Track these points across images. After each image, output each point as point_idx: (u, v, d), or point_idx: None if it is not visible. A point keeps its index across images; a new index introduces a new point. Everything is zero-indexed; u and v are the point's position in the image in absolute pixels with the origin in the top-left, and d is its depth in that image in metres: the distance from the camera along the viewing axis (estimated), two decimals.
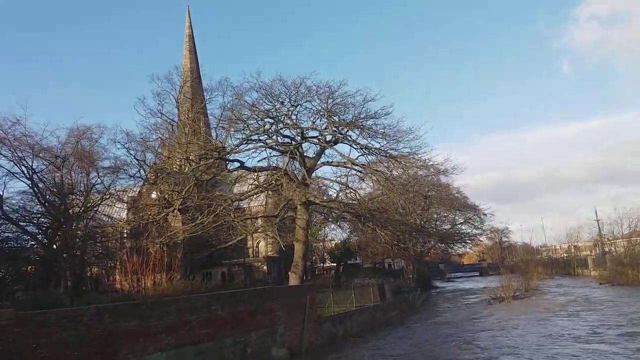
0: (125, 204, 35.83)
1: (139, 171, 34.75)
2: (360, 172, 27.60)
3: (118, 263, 28.20)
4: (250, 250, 45.05)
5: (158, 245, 26.57)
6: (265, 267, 42.87)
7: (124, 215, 36.66)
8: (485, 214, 58.02)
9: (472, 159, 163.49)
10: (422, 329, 27.23)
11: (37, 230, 30.28)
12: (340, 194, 29.72)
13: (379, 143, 26.60)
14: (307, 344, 20.86)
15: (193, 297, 16.71)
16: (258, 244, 46.22)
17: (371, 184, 31.15)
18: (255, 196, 32.09)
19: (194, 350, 14.90)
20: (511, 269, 51.73)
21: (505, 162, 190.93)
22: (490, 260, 75.39)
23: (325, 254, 53.71)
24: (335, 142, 27.08)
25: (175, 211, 29.70)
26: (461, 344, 20.37)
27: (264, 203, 38.34)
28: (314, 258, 52.47)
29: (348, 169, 28.00)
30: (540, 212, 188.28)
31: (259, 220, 33.93)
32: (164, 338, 14.04)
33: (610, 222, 65.27)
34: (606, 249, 65.03)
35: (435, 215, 53.23)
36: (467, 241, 59.59)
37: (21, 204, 29.96)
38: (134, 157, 34.28)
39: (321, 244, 49.82)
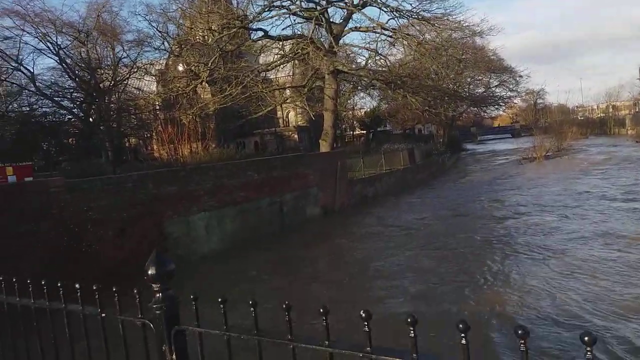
0: (154, 77, 35.95)
1: (162, 43, 34.11)
2: (390, 37, 26.35)
3: (154, 133, 29.21)
4: (281, 120, 45.58)
5: (190, 117, 27.17)
6: (296, 136, 43.61)
7: (153, 88, 36.99)
8: (521, 76, 55.90)
9: (511, 19, 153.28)
10: (449, 188, 28.15)
11: (72, 105, 31.15)
12: (369, 61, 28.80)
13: (411, 4, 24.94)
14: (339, 203, 22.05)
15: (229, 163, 17.52)
16: (288, 114, 46.56)
17: (402, 50, 29.93)
18: (282, 66, 31.47)
19: (233, 210, 16.06)
20: (544, 130, 50.95)
21: (546, 21, 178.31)
22: (524, 122, 74.20)
23: (355, 122, 53.87)
24: (364, 5, 25.55)
25: (204, 83, 29.72)
26: (489, 201, 21.04)
27: (291, 73, 37.77)
28: (343, 126, 52.81)
29: (377, 34, 26.73)
30: (580, 72, 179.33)
31: (287, 91, 33.74)
32: (205, 200, 15.08)
33: None
34: None
35: (469, 79, 51.57)
36: (501, 104, 58.33)
37: (53, 80, 30.51)
38: (157, 29, 33.52)
39: (350, 112, 49.72)
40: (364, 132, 52.22)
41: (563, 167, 31.84)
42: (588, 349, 1.29)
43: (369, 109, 50.16)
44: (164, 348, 2.00)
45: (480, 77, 53.47)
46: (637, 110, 68.71)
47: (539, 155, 37.39)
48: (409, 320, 1.51)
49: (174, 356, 1.99)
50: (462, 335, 1.43)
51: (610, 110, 78.22)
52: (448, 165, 42.12)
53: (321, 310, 1.72)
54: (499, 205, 19.93)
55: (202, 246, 14.72)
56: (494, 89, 55.88)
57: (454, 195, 24.67)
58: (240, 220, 16.25)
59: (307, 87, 28.79)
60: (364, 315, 1.61)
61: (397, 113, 47.37)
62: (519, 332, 1.37)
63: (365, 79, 30.34)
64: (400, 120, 50.78)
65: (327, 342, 1.72)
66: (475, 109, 57.55)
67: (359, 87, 36.02)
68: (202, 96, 31.69)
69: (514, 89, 57.04)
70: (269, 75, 33.38)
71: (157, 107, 34.71)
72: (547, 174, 29.24)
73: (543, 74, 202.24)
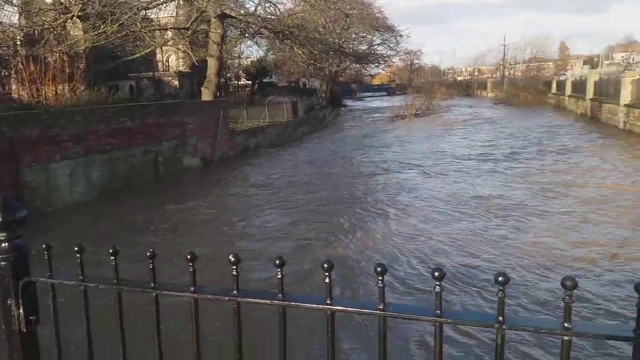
0: (16, 8, 31.58)
1: None
2: None
3: (13, 72, 26.02)
4: (160, 64, 43.02)
5: (58, 55, 24.57)
6: (176, 82, 41.61)
7: (15, 20, 32.55)
8: (401, 36, 58.32)
9: None
10: (326, 142, 29.32)
11: None
12: (258, 8, 28.20)
13: None
14: (219, 154, 21.92)
15: (99, 108, 16.42)
16: (168, 57, 44.05)
17: None
18: (164, 5, 29.52)
19: (102, 158, 15.31)
20: (417, 90, 54.36)
21: None
22: (400, 81, 78.38)
23: (241, 72, 52.72)
24: None
25: (75, 18, 26.92)
26: (359, 157, 22.23)
27: (174, 14, 35.52)
28: (228, 75, 51.44)
29: None
30: (458, 35, 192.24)
31: (169, 33, 31.81)
32: (70, 147, 14.15)
33: (516, 48, 68.94)
34: (506, 73, 69.68)
35: (354, 35, 52.66)
36: (381, 62, 60.66)
37: None
38: None
39: (236, 60, 48.45)
40: (250, 82, 51.42)
41: (430, 125, 34.57)
42: (437, 283, 1.42)
43: (255, 59, 49.31)
44: (9, 302, 1.82)
45: (364, 35, 54.84)
46: (498, 74, 75.99)
47: (409, 114, 40.12)
48: (277, 262, 1.55)
49: (21, 310, 1.81)
50: (326, 274, 1.49)
51: (476, 73, 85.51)
52: (328, 119, 43.43)
53: (188, 256, 1.69)
54: (365, 161, 21.03)
55: (64, 197, 13.92)
56: (376, 46, 57.80)
57: (329, 149, 25.65)
58: (109, 170, 15.55)
59: (191, 29, 27.44)
60: (232, 259, 1.61)
61: (283, 65, 47.22)
62: (325, 265, 1.48)
63: (253, 26, 29.66)
64: (286, 72, 50.73)
65: (192, 288, 1.70)
66: (358, 65, 59.23)
67: (247, 35, 35.14)
68: (72, 33, 28.69)
69: (394, 47, 59.53)
70: (149, 14, 31.17)
71: (18, 42, 30.73)
72: (415, 131, 31.57)
73: (422, 34, 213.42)
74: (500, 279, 1.36)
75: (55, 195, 13.66)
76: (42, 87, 19.36)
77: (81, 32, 27.86)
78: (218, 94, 31.78)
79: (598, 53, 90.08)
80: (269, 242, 10.25)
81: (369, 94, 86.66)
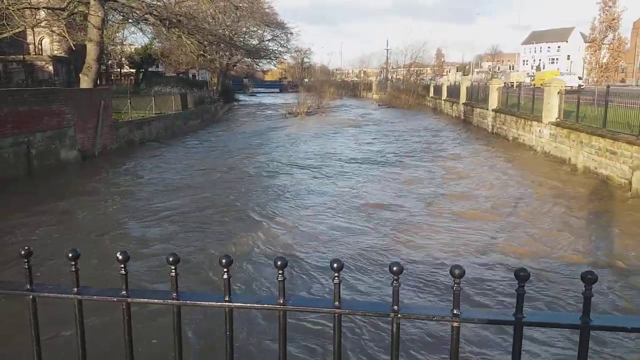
0: None
1: None
2: None
3: None
4: (32, 47, 39.08)
5: None
6: (51, 68, 38.10)
7: None
8: (291, 33, 59.19)
9: None
10: (216, 137, 28.74)
11: None
12: None
13: None
14: (100, 146, 20.51)
15: None
16: (41, 40, 40.11)
17: None
18: None
19: None
20: (308, 88, 55.48)
21: None
22: (291, 79, 79.39)
23: (124, 59, 49.69)
24: None
25: None
26: (246, 156, 21.30)
27: None
28: (110, 62, 48.21)
29: None
30: (344, 37, 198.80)
31: (42, 12, 28.96)
32: None
33: (397, 52, 73.08)
34: (389, 77, 73.67)
35: (244, 29, 52.31)
36: (272, 58, 60.99)
37: None
38: None
39: (119, 47, 45.57)
40: (134, 71, 48.67)
41: (320, 124, 35.46)
42: (335, 274, 1.47)
43: (140, 47, 46.72)
44: None
45: (255, 29, 54.77)
46: (382, 77, 80.00)
47: (301, 111, 40.85)
48: (170, 259, 1.55)
49: None
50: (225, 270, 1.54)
51: (362, 75, 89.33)
52: (220, 114, 42.63)
53: (70, 255, 1.60)
54: (253, 161, 20.15)
55: None
56: (267, 42, 58.01)
57: (218, 146, 25.00)
58: None
59: (68, 11, 25.21)
60: (120, 257, 1.57)
61: (171, 54, 45.38)
62: (222, 261, 1.52)
63: (137, 12, 28.07)
64: (174, 62, 48.86)
65: (75, 289, 1.62)
66: (249, 60, 58.94)
67: (130, 20, 33.18)
68: None
69: (284, 45, 60.26)
70: None
71: None
72: (306, 129, 32.10)
73: (311, 34, 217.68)
74: (394, 268, 1.44)
75: None
76: None
77: None
78: (99, 82, 29.66)
79: (469, 61, 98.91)
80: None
81: (262, 89, 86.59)
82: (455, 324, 1.45)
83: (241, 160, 20.22)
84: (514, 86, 36.19)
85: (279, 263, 1.51)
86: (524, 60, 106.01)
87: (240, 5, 39.32)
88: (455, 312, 1.44)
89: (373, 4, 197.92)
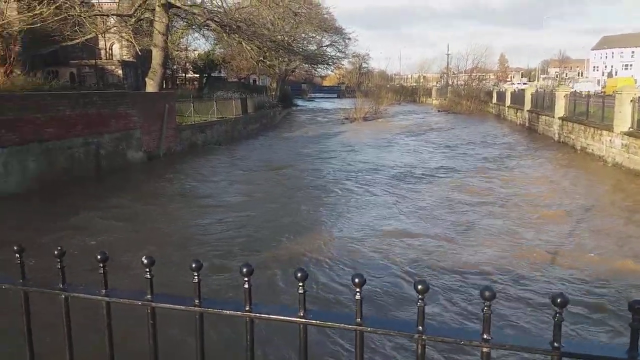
0: None
1: None
2: None
3: None
4: (103, 52, 41.40)
5: None
6: (120, 72, 40.17)
7: None
8: (349, 38, 59.15)
9: None
10: (277, 140, 29.17)
11: None
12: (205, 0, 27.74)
13: None
14: (164, 148, 21.32)
15: (35, 94, 15.58)
16: (112, 45, 42.43)
17: None
18: None
19: (39, 147, 14.46)
20: (366, 93, 55.23)
21: None
22: (349, 84, 79.42)
23: (188, 64, 51.57)
24: None
25: None
26: (304, 163, 21.29)
27: (117, 0, 34.25)
28: (175, 67, 50.19)
29: None
30: (404, 41, 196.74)
31: (112, 19, 30.66)
32: (3, 134, 13.31)
33: (458, 57, 71.51)
34: (450, 82, 72.09)
35: (303, 35, 52.85)
36: (330, 64, 61.19)
37: None
38: None
39: (183, 52, 47.35)
40: (197, 76, 50.39)
41: (376, 131, 35.05)
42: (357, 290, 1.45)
43: (203, 52, 48.34)
44: None
45: (313, 35, 55.16)
46: (442, 83, 78.44)
47: (358, 117, 40.73)
48: (193, 265, 1.54)
49: None
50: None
51: (422, 80, 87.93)
52: (278, 118, 43.30)
53: (98, 257, 1.60)
54: (311, 169, 19.53)
55: None
56: (325, 48, 58.28)
57: (277, 151, 25.23)
58: (47, 161, 14.73)
59: (135, 17, 26.51)
60: (145, 261, 1.58)
61: (232, 60, 46.64)
62: (243, 270, 1.50)
63: (199, 18, 29.08)
64: (235, 68, 50.15)
65: (104, 291, 1.63)
66: (307, 65, 59.48)
67: (193, 26, 34.42)
68: (6, 13, 27.06)
69: (342, 50, 60.30)
70: None
71: None
72: (361, 138, 31.03)
73: (371, 38, 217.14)
74: (419, 287, 1.37)
75: None
76: None
77: (16, 13, 26.36)
78: (164, 86, 30.95)
79: (534, 67, 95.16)
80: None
81: (320, 94, 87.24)
82: (485, 350, 1.35)
83: (298, 170, 19.37)
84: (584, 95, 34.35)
85: (299, 275, 1.46)
86: (594, 67, 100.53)
87: (299, 11, 39.82)
88: (485, 336, 1.34)
89: (436, 6, 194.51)
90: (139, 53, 28.70)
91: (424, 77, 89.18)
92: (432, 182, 16.50)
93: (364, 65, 78.96)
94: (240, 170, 18.95)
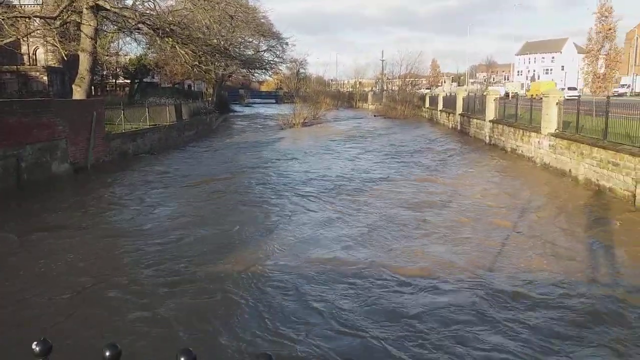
0: None
1: None
2: None
3: None
4: (26, 57, 38.86)
5: None
6: (45, 78, 37.89)
7: None
8: (287, 44, 59.17)
9: None
10: (213, 149, 28.39)
11: None
12: (136, 2, 26.59)
13: None
14: (93, 159, 20.13)
15: None
16: (36, 50, 39.98)
17: None
18: None
19: None
20: (304, 99, 55.30)
21: None
22: (287, 90, 79.32)
23: (119, 70, 49.49)
24: None
25: None
26: (236, 173, 20.29)
27: (40, 2, 32.20)
28: (104, 73, 48.04)
29: None
30: (339, 47, 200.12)
31: (36, 22, 28.74)
32: None
33: (392, 62, 73.35)
34: (385, 87, 73.76)
35: (240, 39, 52.21)
36: (268, 69, 60.91)
37: None
38: None
39: (113, 57, 45.35)
40: (129, 81, 48.47)
41: (315, 135, 35.16)
42: None
43: (134, 57, 46.53)
44: None
45: (250, 40, 54.75)
46: (377, 87, 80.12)
47: (297, 122, 40.67)
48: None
49: None
50: None
51: (357, 86, 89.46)
52: (215, 125, 42.39)
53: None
54: (245, 182, 18.49)
55: None
56: (262, 52, 57.92)
57: (211, 160, 24.17)
58: None
59: (60, 20, 24.98)
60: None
61: (166, 65, 45.18)
62: None
63: (130, 21, 27.87)
64: (169, 73, 48.67)
65: None
66: (245, 70, 58.87)
67: (124, 30, 33.00)
68: None
69: (280, 55, 60.22)
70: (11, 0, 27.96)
71: None
72: (300, 143, 31.22)
73: (308, 43, 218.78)
74: None
75: None
76: None
77: None
78: (93, 92, 29.40)
79: (464, 72, 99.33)
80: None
81: (258, 100, 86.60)
82: None
83: (234, 181, 18.52)
84: (509, 97, 36.18)
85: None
86: (518, 71, 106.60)
87: (235, 15, 39.29)
88: None
89: (368, 13, 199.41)
90: (65, 59, 27.03)
91: (359, 82, 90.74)
92: (371, 194, 15.49)
93: (301, 70, 79.29)
94: (170, 186, 17.31)
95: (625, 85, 63.44)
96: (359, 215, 12.89)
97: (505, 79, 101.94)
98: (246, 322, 6.95)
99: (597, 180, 14.95)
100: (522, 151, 22.03)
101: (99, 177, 18.76)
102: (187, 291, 7.95)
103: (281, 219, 12.63)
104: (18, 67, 35.73)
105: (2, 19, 22.87)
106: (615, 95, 42.44)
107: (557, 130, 18.78)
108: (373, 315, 6.98)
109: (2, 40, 24.32)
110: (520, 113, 23.65)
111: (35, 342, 1.41)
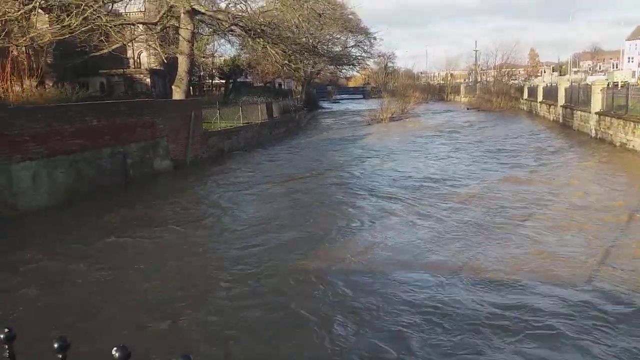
0: None
1: None
2: None
3: None
4: (132, 61, 41.93)
5: (23, 49, 23.50)
6: (148, 80, 40.56)
7: None
8: (375, 38, 58.55)
9: None
10: (301, 146, 28.78)
11: None
12: (229, 4, 27.69)
13: None
14: (191, 156, 21.25)
15: (62, 105, 15.67)
16: (139, 54, 42.96)
17: None
18: (132, 0, 28.75)
19: (67, 159, 14.48)
20: (392, 93, 54.43)
21: None
22: (374, 84, 78.58)
23: (214, 70, 51.91)
24: None
25: (38, 10, 25.82)
26: (327, 169, 20.33)
27: (143, 8, 34.62)
28: (201, 74, 50.62)
29: None
30: (430, 39, 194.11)
31: (139, 28, 30.96)
32: (31, 147, 13.34)
33: (487, 53, 69.98)
34: (479, 79, 70.56)
35: (327, 37, 52.55)
36: (355, 64, 60.72)
37: None
38: None
39: (209, 59, 47.65)
40: (224, 81, 50.66)
41: (403, 131, 34.38)
42: None
43: (228, 58, 48.58)
44: None
45: (338, 36, 54.85)
46: (470, 79, 76.91)
47: (384, 117, 40.11)
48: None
49: None
50: None
51: (449, 78, 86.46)
52: (304, 122, 43.06)
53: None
54: (335, 179, 18.35)
55: (27, 201, 13.03)
56: (350, 48, 57.86)
57: (306, 150, 24.91)
58: (75, 172, 14.72)
59: (160, 25, 26.68)
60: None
61: (257, 65, 46.69)
62: None
63: (224, 23, 29.06)
64: (260, 72, 50.23)
65: None
66: (332, 67, 59.18)
67: (218, 32, 34.51)
68: (36, 25, 27.55)
69: (368, 50, 59.72)
70: (118, 8, 30.28)
71: None
72: (387, 140, 30.30)
73: (395, 37, 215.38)
74: None
75: (17, 199, 12.76)
76: (6, 82, 18.44)
77: (47, 25, 26.81)
78: (191, 93, 31.08)
79: (565, 60, 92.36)
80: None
81: (345, 96, 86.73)
82: None
83: (321, 182, 18.14)
84: (618, 87, 32.99)
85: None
86: (629, 58, 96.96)
87: (323, 12, 39.49)
88: None
89: (460, 3, 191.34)
90: (166, 61, 28.81)
91: (451, 74, 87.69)
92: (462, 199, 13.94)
93: (389, 64, 78.12)
94: (262, 183, 17.55)
95: None
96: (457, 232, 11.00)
97: (613, 67, 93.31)
98: None
99: None
100: (633, 145, 19.97)
101: (197, 173, 19.76)
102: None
103: (365, 224, 12.04)
104: (124, 70, 38.65)
105: (110, 27, 24.89)
106: None
107: None
108: None
109: (110, 46, 26.47)
110: (631, 104, 21.46)
111: (115, 348, 1.38)
